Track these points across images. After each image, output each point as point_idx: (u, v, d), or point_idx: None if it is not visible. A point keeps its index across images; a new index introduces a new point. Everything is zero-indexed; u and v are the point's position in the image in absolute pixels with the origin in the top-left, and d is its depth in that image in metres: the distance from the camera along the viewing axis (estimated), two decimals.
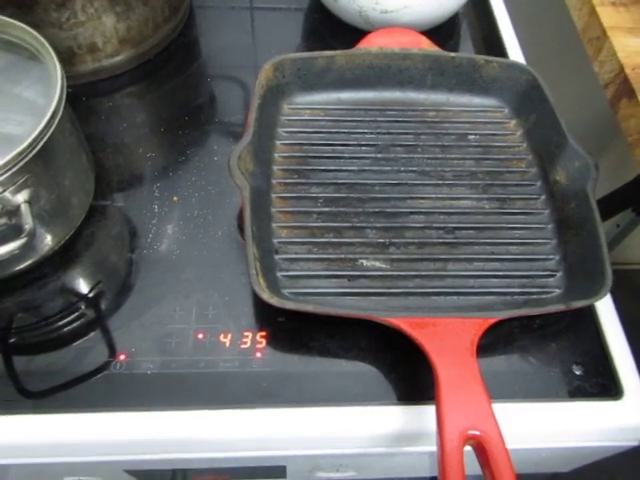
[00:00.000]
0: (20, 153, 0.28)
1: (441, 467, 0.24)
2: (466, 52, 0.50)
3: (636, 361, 0.33)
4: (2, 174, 0.28)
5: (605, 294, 0.31)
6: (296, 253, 0.35)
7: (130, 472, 0.34)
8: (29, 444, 0.29)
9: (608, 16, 0.37)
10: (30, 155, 0.29)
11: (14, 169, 0.28)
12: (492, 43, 0.50)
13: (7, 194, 0.29)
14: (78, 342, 0.32)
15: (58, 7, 0.38)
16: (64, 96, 0.31)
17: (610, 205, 0.63)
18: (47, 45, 0.32)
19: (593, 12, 0.38)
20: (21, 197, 0.29)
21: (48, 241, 0.34)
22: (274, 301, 0.29)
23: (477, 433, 0.24)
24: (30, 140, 0.28)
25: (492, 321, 0.29)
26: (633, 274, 1.03)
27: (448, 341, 0.28)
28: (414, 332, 0.28)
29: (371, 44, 0.43)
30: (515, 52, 0.48)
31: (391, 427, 0.30)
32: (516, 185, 0.39)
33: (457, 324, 0.29)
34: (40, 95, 0.34)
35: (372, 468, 0.37)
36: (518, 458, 0.33)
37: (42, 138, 0.29)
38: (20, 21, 0.34)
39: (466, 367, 0.27)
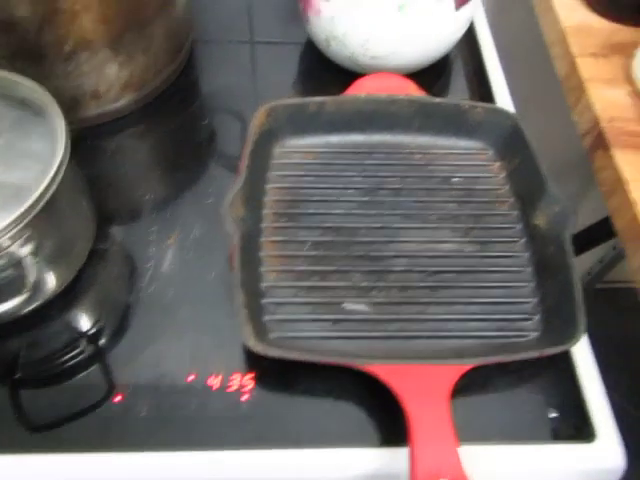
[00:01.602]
0: (26, 210, 0.30)
1: None
2: (455, 93, 0.52)
3: (628, 380, 0.34)
4: (9, 231, 0.30)
5: (577, 341, 0.32)
6: (283, 297, 0.36)
7: None
8: None
9: (587, 67, 0.38)
10: (35, 211, 0.31)
11: (20, 225, 0.30)
12: (481, 85, 0.51)
13: (12, 248, 0.31)
14: (76, 382, 0.34)
15: (65, 60, 0.41)
16: (67, 153, 0.33)
17: (593, 235, 0.65)
18: (54, 101, 0.34)
19: (573, 63, 0.39)
20: (25, 250, 0.31)
21: (51, 285, 0.36)
22: (259, 349, 0.31)
23: None
24: (35, 197, 0.31)
25: (466, 368, 0.31)
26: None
27: (422, 388, 0.29)
28: (389, 379, 0.30)
29: (360, 89, 0.45)
30: (503, 94, 0.49)
31: (373, 469, 0.31)
32: (497, 228, 0.40)
33: (432, 371, 0.30)
34: (46, 149, 0.36)
35: None
36: None
37: (46, 194, 0.31)
38: (28, 73, 0.36)
39: (439, 415, 0.28)
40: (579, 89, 0.38)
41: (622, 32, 0.41)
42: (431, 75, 0.51)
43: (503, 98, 0.49)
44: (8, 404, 0.33)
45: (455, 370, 0.30)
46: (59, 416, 0.32)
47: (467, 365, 0.31)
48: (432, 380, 0.30)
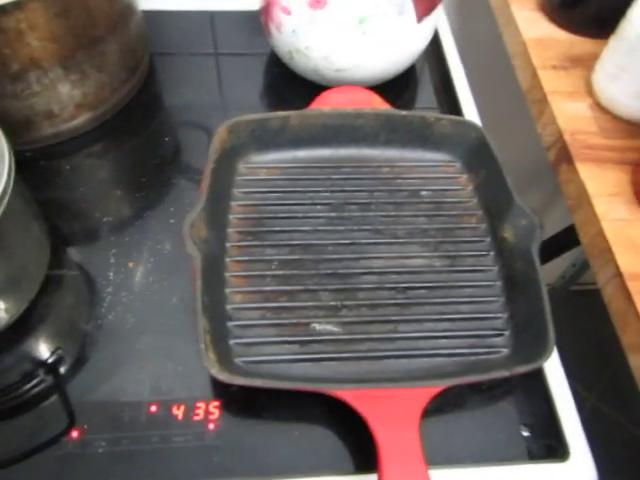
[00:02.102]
0: None
1: None
2: (422, 104, 0.51)
3: (604, 381, 0.33)
4: None
5: (548, 357, 0.32)
6: (249, 319, 0.35)
7: None
8: None
9: (549, 80, 0.38)
10: None
11: None
12: (447, 96, 0.51)
13: None
14: (31, 418, 0.32)
15: (12, 80, 0.39)
16: (12, 176, 0.31)
17: (561, 243, 0.66)
18: None
19: (535, 75, 0.39)
20: None
21: (2, 316, 0.34)
22: (223, 377, 0.30)
23: None
24: None
25: (436, 391, 0.30)
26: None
27: (392, 413, 0.29)
28: (358, 405, 0.29)
29: (325, 102, 0.44)
30: (469, 106, 0.49)
31: None
32: (466, 242, 0.40)
33: (402, 395, 0.29)
34: None
35: None
36: None
37: None
38: None
39: (408, 440, 0.27)
40: (542, 102, 0.38)
41: (582, 44, 0.41)
42: (397, 87, 0.50)
43: (469, 109, 0.49)
44: None
45: (425, 393, 0.30)
46: (12, 454, 0.30)
47: (437, 387, 0.30)
48: (401, 404, 0.29)
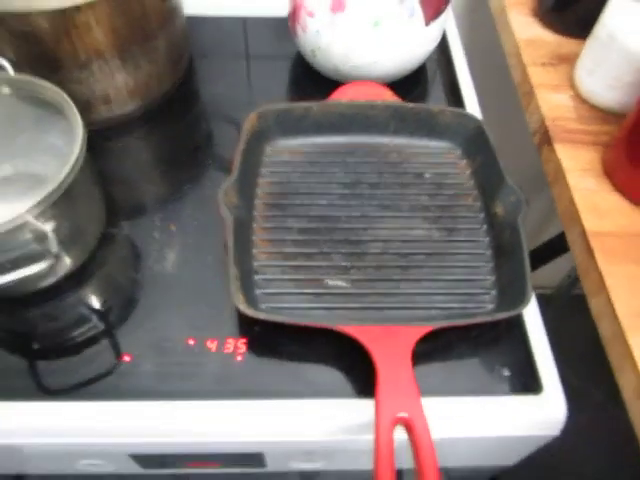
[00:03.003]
0: (49, 194, 0.35)
1: (376, 443, 0.30)
2: (431, 99, 0.57)
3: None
4: (34, 210, 0.35)
5: (524, 307, 0.37)
6: (272, 274, 0.41)
7: (133, 456, 0.40)
8: (51, 427, 0.36)
9: (537, 75, 0.44)
10: (57, 195, 0.36)
11: (43, 206, 0.35)
12: (453, 92, 0.57)
13: (37, 225, 0.36)
14: (91, 346, 0.39)
15: (80, 68, 0.46)
16: (84, 147, 0.38)
17: (549, 250, 0.71)
18: (71, 103, 0.39)
19: (525, 71, 0.45)
20: (48, 227, 0.36)
21: (67, 263, 0.41)
22: (249, 312, 0.36)
23: (405, 415, 0.31)
24: (58, 182, 0.36)
25: (426, 329, 0.36)
26: None
27: (388, 344, 0.34)
28: (360, 337, 0.35)
29: (342, 95, 0.50)
30: (472, 100, 0.55)
31: (349, 417, 0.36)
32: (462, 217, 0.46)
33: (397, 330, 0.35)
34: (64, 143, 0.41)
35: (339, 458, 0.42)
36: (463, 449, 0.40)
37: (67, 181, 0.36)
38: (49, 79, 0.42)
39: (401, 365, 0.33)
40: (530, 94, 0.44)
41: (568, 44, 0.47)
42: (410, 83, 0.56)
43: (471, 103, 0.55)
44: (27, 373, 0.37)
45: (417, 331, 0.35)
46: (75, 373, 0.37)
47: (427, 327, 0.36)
48: (397, 337, 0.35)
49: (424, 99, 0.58)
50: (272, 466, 0.44)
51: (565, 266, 0.93)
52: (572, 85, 0.44)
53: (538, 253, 0.77)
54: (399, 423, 0.31)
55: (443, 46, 0.61)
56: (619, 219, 0.37)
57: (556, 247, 0.74)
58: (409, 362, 0.34)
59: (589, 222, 0.36)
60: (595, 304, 0.35)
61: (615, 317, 0.32)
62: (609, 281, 0.33)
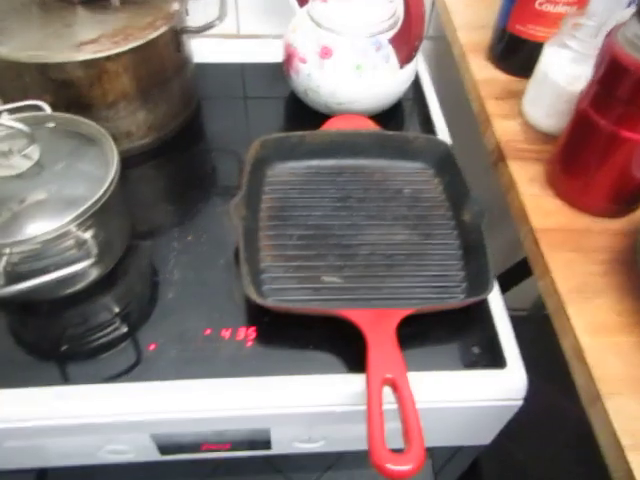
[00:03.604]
0: (88, 207, 0.43)
1: (368, 399, 0.37)
2: (408, 127, 0.66)
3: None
4: (78, 219, 0.42)
5: (488, 293, 0.44)
6: (276, 273, 0.49)
7: (154, 437, 0.46)
8: (85, 409, 0.42)
9: (491, 106, 0.53)
10: (96, 207, 0.43)
11: (86, 215, 0.43)
12: (426, 121, 0.66)
13: (79, 232, 0.43)
14: (120, 339, 0.45)
15: (107, 107, 0.54)
16: (119, 170, 0.46)
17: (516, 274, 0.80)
18: (107, 135, 0.47)
19: (482, 104, 0.54)
20: (88, 234, 0.43)
21: (98, 269, 0.48)
22: (260, 301, 0.43)
23: (391, 376, 0.38)
24: (98, 196, 0.43)
25: (407, 311, 0.43)
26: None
27: (377, 323, 0.41)
28: (355, 318, 0.42)
29: (332, 126, 0.59)
30: (441, 128, 0.64)
31: (344, 389, 0.43)
32: (436, 224, 0.54)
33: (384, 312, 0.42)
34: (96, 168, 0.49)
35: (337, 436, 0.48)
36: (443, 420, 0.46)
37: (104, 197, 0.44)
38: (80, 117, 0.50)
39: (387, 338, 0.40)
40: (486, 121, 0.53)
41: (516, 82, 0.56)
42: (390, 115, 0.66)
43: (442, 130, 0.64)
44: (57, 371, 0.43)
45: (400, 312, 0.42)
46: (107, 361, 0.43)
47: (409, 309, 0.43)
48: (384, 317, 0.42)
49: (402, 128, 0.67)
50: (277, 447, 0.49)
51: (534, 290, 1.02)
52: (520, 114, 0.54)
53: (508, 275, 0.85)
54: (386, 383, 0.38)
55: (417, 84, 0.70)
56: (559, 218, 0.45)
57: (524, 269, 0.83)
58: (394, 337, 0.41)
59: (535, 220, 0.44)
60: (542, 285, 0.42)
61: (557, 293, 0.40)
62: (551, 265, 0.41)
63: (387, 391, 0.39)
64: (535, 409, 0.49)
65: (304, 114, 0.66)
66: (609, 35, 0.39)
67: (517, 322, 0.48)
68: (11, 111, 0.49)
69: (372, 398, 0.37)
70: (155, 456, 0.50)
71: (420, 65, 0.73)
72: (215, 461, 0.59)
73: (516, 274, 0.85)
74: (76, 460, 0.50)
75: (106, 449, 0.47)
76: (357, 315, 0.42)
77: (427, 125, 0.66)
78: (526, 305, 1.13)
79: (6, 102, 0.51)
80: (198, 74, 0.69)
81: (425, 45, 0.79)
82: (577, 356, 0.37)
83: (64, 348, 0.45)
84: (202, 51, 0.73)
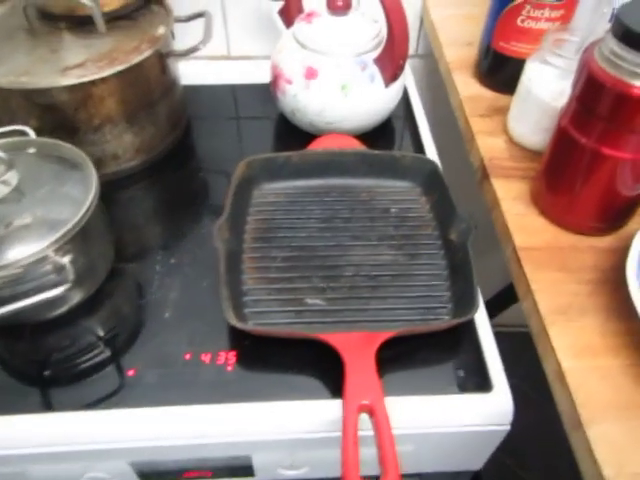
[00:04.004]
0: (66, 232, 0.42)
1: (343, 426, 0.36)
2: (397, 146, 0.66)
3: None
4: (56, 244, 0.42)
5: (471, 315, 0.44)
6: (259, 295, 0.48)
7: (133, 465, 0.45)
8: (63, 436, 0.41)
9: (476, 124, 0.53)
10: (74, 232, 0.43)
11: (62, 240, 0.42)
12: (415, 139, 0.66)
13: (57, 257, 0.43)
14: (99, 364, 0.45)
15: (93, 131, 0.55)
16: (97, 193, 0.46)
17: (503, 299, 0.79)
18: (87, 159, 0.47)
19: (467, 121, 0.53)
20: (66, 259, 0.43)
21: (79, 293, 0.47)
22: (239, 325, 0.43)
23: (368, 402, 0.37)
24: (75, 221, 0.43)
25: (387, 335, 0.42)
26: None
27: (356, 347, 0.40)
28: (333, 341, 0.41)
29: (318, 146, 0.59)
30: (429, 146, 0.64)
31: (326, 415, 0.42)
32: (423, 244, 0.53)
33: (363, 336, 0.41)
34: (79, 192, 0.49)
35: (320, 462, 0.47)
36: (428, 445, 0.45)
37: (82, 221, 0.44)
38: (66, 141, 0.50)
39: (365, 363, 0.39)
40: (472, 139, 0.52)
41: (502, 99, 0.56)
42: (380, 134, 0.65)
43: (430, 149, 0.63)
44: (39, 397, 0.43)
45: (379, 336, 0.42)
46: (85, 387, 0.43)
47: (388, 332, 0.42)
48: (363, 341, 0.41)
49: (392, 146, 0.66)
50: (260, 473, 0.48)
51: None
52: (505, 131, 0.53)
53: (498, 299, 0.84)
54: (363, 410, 0.37)
55: (406, 102, 0.70)
56: (544, 236, 0.44)
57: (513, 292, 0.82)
58: (373, 361, 0.40)
59: (519, 239, 0.43)
60: (525, 306, 0.41)
61: (539, 315, 0.39)
62: (534, 286, 0.40)
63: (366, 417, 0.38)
64: (541, 424, 0.48)
65: (294, 134, 0.66)
66: (586, 51, 0.38)
67: (521, 338, 0.47)
68: None
69: (347, 426, 0.36)
70: None
71: (409, 83, 0.73)
72: None
73: (507, 297, 0.84)
74: None
75: (86, 476, 0.47)
76: (336, 339, 0.41)
77: (416, 143, 0.65)
78: (516, 322, 1.10)
79: None
80: (189, 96, 0.70)
81: (414, 63, 0.79)
82: (559, 379, 0.35)
83: (45, 373, 0.44)
84: (193, 73, 0.73)
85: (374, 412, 0.37)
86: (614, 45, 0.36)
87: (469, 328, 0.47)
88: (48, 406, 0.42)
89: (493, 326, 0.47)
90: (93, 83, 0.52)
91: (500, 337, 0.47)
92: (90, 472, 0.46)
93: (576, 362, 0.36)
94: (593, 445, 0.31)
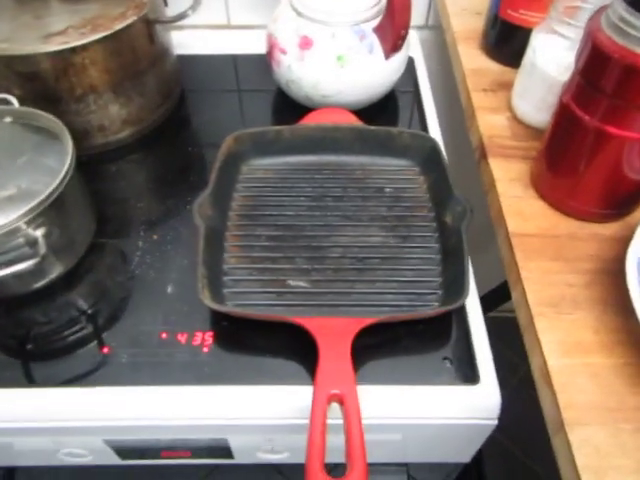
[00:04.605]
0: (39, 202, 0.41)
1: (311, 415, 0.34)
2: (400, 122, 0.63)
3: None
4: (26, 216, 0.41)
5: (459, 304, 0.41)
6: (240, 276, 0.46)
7: (108, 442, 0.44)
8: (35, 412, 0.41)
9: (479, 99, 0.49)
10: (46, 204, 0.41)
11: (34, 213, 0.41)
12: (419, 115, 0.62)
13: (29, 230, 0.41)
14: (75, 340, 0.44)
15: (76, 101, 0.53)
16: (73, 164, 0.44)
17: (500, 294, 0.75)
18: (65, 129, 0.46)
19: (469, 96, 0.50)
20: (39, 232, 0.42)
21: (57, 267, 0.46)
22: (213, 306, 0.41)
23: (338, 392, 0.35)
24: (46, 194, 0.41)
25: (366, 321, 0.40)
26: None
27: (331, 333, 0.38)
28: (308, 325, 0.39)
29: (311, 120, 0.56)
30: (433, 122, 0.60)
31: (302, 402, 0.40)
32: (417, 225, 0.50)
33: (340, 322, 0.39)
34: (59, 164, 0.47)
35: (300, 447, 0.46)
36: (412, 437, 0.43)
37: (55, 193, 0.42)
38: (49, 111, 0.48)
39: (340, 350, 0.37)
40: (472, 116, 0.49)
41: (509, 73, 0.52)
42: (381, 108, 0.62)
43: (433, 125, 0.60)
44: (17, 363, 0.42)
45: (357, 321, 0.39)
46: (60, 363, 0.42)
47: (368, 319, 0.40)
48: (340, 327, 0.39)
49: (393, 122, 0.63)
50: (239, 456, 0.47)
51: None
52: (509, 108, 0.49)
53: (493, 295, 0.80)
54: (333, 399, 0.35)
55: (413, 76, 0.66)
56: (541, 222, 0.41)
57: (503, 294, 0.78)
58: (348, 349, 0.38)
59: (513, 224, 0.40)
60: (515, 295, 0.39)
61: (528, 306, 0.36)
62: (524, 274, 0.37)
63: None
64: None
65: (291, 108, 0.63)
66: (592, 20, 0.35)
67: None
68: None
69: (315, 415, 0.34)
70: (116, 460, 0.48)
71: (417, 55, 0.69)
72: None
73: (504, 292, 0.80)
74: (37, 461, 0.49)
75: (63, 452, 0.46)
76: (312, 323, 0.39)
77: (420, 120, 0.62)
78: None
79: None
80: (185, 66, 0.67)
81: (423, 35, 0.74)
82: (543, 377, 0.33)
83: (22, 348, 0.43)
84: (190, 42, 0.71)
85: (345, 403, 0.35)
86: (623, 10, 0.32)
87: (460, 317, 0.44)
88: (19, 382, 0.41)
89: (503, 311, 0.45)
90: (74, 50, 0.50)
91: (510, 322, 0.44)
92: (67, 447, 0.46)
93: (564, 359, 0.33)
94: (574, 450, 0.29)
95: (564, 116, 0.38)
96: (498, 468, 1.02)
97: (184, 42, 0.70)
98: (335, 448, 0.35)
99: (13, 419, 0.41)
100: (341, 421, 0.35)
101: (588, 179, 0.40)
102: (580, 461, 0.28)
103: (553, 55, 0.43)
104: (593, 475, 0.28)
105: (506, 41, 0.53)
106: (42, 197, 0.41)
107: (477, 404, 0.41)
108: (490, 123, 0.47)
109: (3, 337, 0.45)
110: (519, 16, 0.50)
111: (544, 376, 0.33)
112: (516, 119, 0.48)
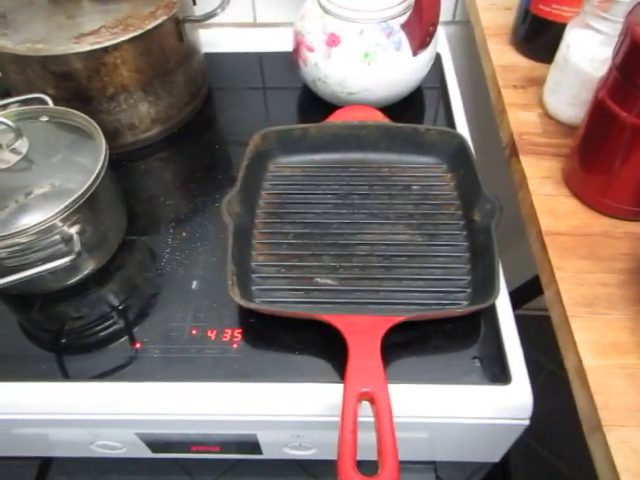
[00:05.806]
0: (73, 200, 0.42)
1: (342, 414, 0.34)
2: (427, 119, 0.62)
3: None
4: (62, 214, 0.41)
5: (489, 303, 0.41)
6: (268, 273, 0.46)
7: (140, 436, 0.45)
8: (70, 406, 0.42)
9: (509, 95, 0.48)
10: (80, 202, 0.42)
11: (70, 210, 0.42)
12: (447, 112, 0.62)
13: (64, 227, 0.42)
14: (108, 335, 0.44)
15: (107, 100, 0.54)
16: (106, 162, 0.45)
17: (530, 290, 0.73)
18: (98, 128, 0.46)
19: (499, 92, 0.49)
20: (73, 230, 0.43)
21: (90, 264, 0.47)
22: (242, 302, 0.41)
23: (369, 390, 0.35)
24: (81, 191, 0.42)
25: (395, 319, 0.39)
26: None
27: (361, 331, 0.38)
28: (338, 324, 0.39)
29: (337, 118, 0.56)
30: (460, 119, 0.60)
31: (331, 399, 0.40)
32: (444, 224, 0.50)
33: (369, 320, 0.39)
34: (92, 162, 0.48)
35: (328, 445, 0.46)
36: (440, 435, 0.43)
37: (89, 191, 0.43)
38: (81, 110, 0.49)
39: (370, 348, 0.37)
40: (502, 112, 0.48)
41: (540, 69, 0.51)
42: (408, 106, 0.62)
43: (461, 122, 0.59)
44: (53, 358, 0.43)
45: (387, 319, 0.39)
46: (92, 358, 0.43)
47: (397, 317, 0.40)
48: (369, 325, 0.39)
49: (420, 120, 0.63)
50: (268, 452, 0.48)
51: None
52: (540, 104, 0.49)
53: (521, 291, 0.78)
54: (364, 398, 0.35)
55: (440, 73, 0.66)
56: (573, 220, 0.40)
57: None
58: (377, 347, 0.38)
59: (545, 223, 0.40)
60: (548, 295, 0.38)
61: (562, 305, 0.35)
62: (558, 274, 0.37)
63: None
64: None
65: (318, 105, 0.63)
66: (631, 14, 0.34)
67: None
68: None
69: (346, 413, 0.34)
70: (147, 453, 0.49)
71: (444, 52, 0.68)
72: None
73: (533, 288, 0.78)
74: (72, 452, 0.51)
75: (97, 444, 0.47)
76: (342, 321, 0.39)
77: (447, 117, 0.61)
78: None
79: (15, 95, 0.52)
80: (212, 64, 0.68)
81: (450, 30, 0.74)
82: (579, 377, 0.32)
83: (57, 342, 0.44)
84: (216, 40, 0.71)
85: (375, 401, 0.35)
86: None
87: (489, 315, 0.44)
88: (51, 375, 0.42)
89: (533, 309, 0.44)
90: (106, 50, 0.50)
91: (539, 320, 0.44)
92: (101, 440, 0.47)
93: (599, 360, 0.32)
94: (613, 451, 0.28)
95: (599, 112, 0.38)
96: (523, 468, 1.01)
97: (211, 40, 0.70)
98: (363, 445, 0.35)
99: (47, 411, 0.42)
100: (370, 419, 0.35)
101: (623, 176, 0.39)
102: (619, 462, 0.28)
103: (587, 50, 0.43)
104: (632, 476, 0.27)
105: (537, 36, 0.52)
106: (77, 195, 0.42)
107: (508, 404, 0.40)
108: (520, 120, 0.47)
109: (38, 331, 0.46)
110: (551, 11, 0.49)
111: (580, 376, 0.32)
112: (547, 115, 0.48)
